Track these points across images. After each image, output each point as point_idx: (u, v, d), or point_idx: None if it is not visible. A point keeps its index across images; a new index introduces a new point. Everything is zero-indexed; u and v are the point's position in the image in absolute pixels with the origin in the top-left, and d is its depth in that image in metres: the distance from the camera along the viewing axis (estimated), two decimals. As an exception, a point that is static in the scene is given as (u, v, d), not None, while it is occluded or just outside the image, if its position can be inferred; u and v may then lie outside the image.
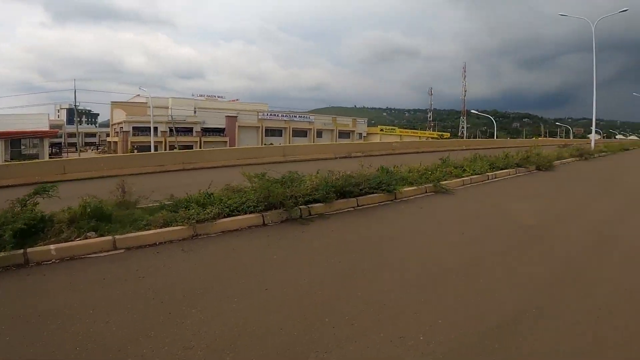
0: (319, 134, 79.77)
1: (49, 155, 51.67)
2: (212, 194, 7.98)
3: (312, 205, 8.48)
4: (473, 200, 10.42)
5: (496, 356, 3.44)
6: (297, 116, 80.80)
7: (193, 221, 6.78)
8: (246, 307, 4.23)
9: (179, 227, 6.69)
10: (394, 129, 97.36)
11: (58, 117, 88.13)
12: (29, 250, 5.65)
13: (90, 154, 68.32)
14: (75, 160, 24.82)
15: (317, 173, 9.83)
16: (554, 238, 7.11)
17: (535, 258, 6.01)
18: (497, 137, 74.66)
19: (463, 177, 12.66)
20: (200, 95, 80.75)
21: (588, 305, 4.43)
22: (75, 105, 63.97)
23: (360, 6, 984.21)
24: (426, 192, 10.92)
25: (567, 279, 5.24)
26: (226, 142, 67.92)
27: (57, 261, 5.62)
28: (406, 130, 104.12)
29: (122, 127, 65.87)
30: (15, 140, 48.33)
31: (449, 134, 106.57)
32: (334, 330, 3.77)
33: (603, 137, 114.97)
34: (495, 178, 13.97)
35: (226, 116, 70.56)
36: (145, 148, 53.01)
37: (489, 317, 4.09)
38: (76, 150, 60.80)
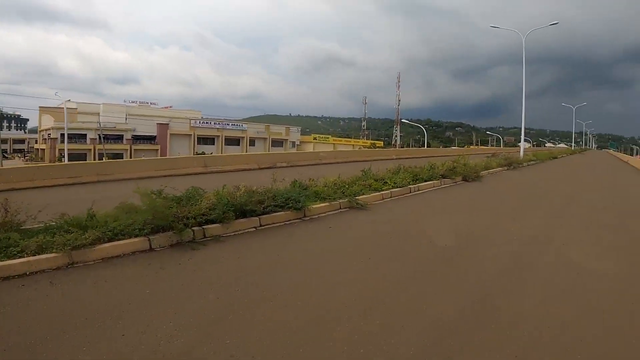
0: (252, 142, 78.67)
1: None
2: (94, 215, 6.85)
3: (207, 226, 7.41)
4: (389, 217, 9.36)
5: None
6: (230, 124, 79.22)
7: (68, 248, 5.82)
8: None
9: (52, 255, 5.73)
10: (328, 138, 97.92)
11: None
12: None
13: (18, 162, 64.12)
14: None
15: (223, 188, 8.78)
16: (471, 262, 6.18)
17: (446, 290, 5.06)
18: (430, 146, 76.19)
19: (383, 190, 11.67)
20: (133, 102, 77.73)
21: (505, 354, 3.64)
22: (-1, 110, 59.87)
23: (296, 15, 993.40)
24: (340, 208, 9.88)
25: (481, 319, 4.33)
26: (157, 150, 66.24)
27: None
28: (340, 139, 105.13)
29: (49, 134, 62.86)
30: None
31: (382, 143, 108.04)
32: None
33: (533, 146, 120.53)
34: (418, 191, 13.10)
35: (157, 123, 68.32)
36: (74, 156, 51.41)
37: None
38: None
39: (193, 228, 7.14)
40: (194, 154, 61.46)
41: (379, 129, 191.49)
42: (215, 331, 3.97)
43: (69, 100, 67.99)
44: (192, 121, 72.83)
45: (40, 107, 70.48)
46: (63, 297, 4.81)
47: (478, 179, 17.17)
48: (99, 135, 59.93)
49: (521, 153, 33.50)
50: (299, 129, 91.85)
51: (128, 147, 64.50)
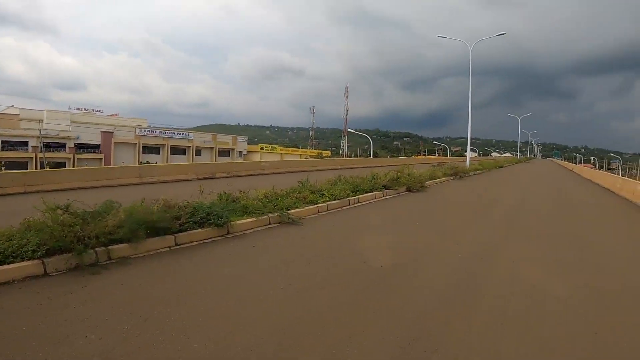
0: (199, 152, 76.67)
1: None
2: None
3: (114, 246, 6.49)
4: (322, 234, 8.54)
5: None
6: (176, 133, 76.84)
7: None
8: None
9: None
10: (275, 148, 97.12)
11: None
12: None
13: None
14: None
15: (142, 202, 7.75)
16: (408, 288, 5.41)
17: (377, 327, 4.22)
18: (377, 156, 76.58)
19: (319, 203, 10.86)
20: (78, 109, 74.39)
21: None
22: None
23: (247, 24, 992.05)
24: (269, 223, 9.02)
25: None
26: (101, 159, 63.56)
27: None
28: (287, 148, 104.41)
29: (-13, 142, 58.53)
30: None
31: (329, 153, 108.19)
32: None
33: (480, 155, 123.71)
34: (358, 203, 12.40)
35: (102, 132, 65.35)
36: (14, 165, 49.27)
37: None
38: None
39: (96, 249, 6.22)
40: (138, 163, 59.40)
41: (328, 138, 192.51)
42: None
43: (12, 106, 64.67)
44: (138, 130, 70.22)
45: (-20, 113, 66.21)
46: None
47: (423, 189, 16.74)
48: (41, 143, 56.79)
49: (467, 162, 33.66)
50: (246, 139, 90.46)
51: (71, 155, 61.22)
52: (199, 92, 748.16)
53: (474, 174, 29.27)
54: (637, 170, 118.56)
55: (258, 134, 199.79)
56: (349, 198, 12.11)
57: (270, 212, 9.24)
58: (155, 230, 7.24)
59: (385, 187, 14.60)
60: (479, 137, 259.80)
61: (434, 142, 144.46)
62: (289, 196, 10.80)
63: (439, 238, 8.58)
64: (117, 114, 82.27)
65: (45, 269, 5.70)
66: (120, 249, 6.53)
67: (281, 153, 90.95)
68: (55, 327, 4.07)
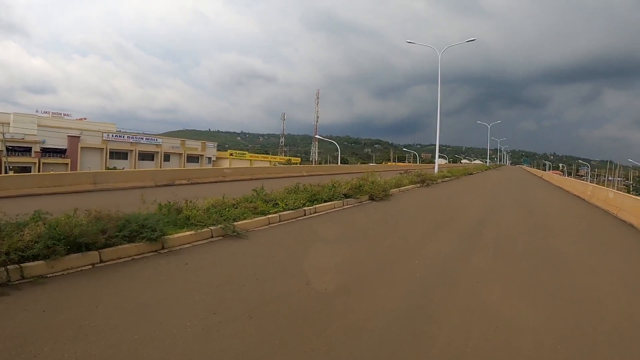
0: (167, 157, 75.29)
1: None
2: None
3: (28, 264, 5.80)
4: (266, 249, 7.75)
5: None
6: (144, 138, 75.26)
7: None
8: None
9: None
10: (245, 154, 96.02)
11: None
12: None
13: None
14: None
15: (75, 212, 7.19)
16: (355, 318, 4.68)
17: None
18: (347, 162, 76.30)
19: (270, 214, 10.11)
20: (45, 112, 72.65)
21: None
22: None
23: (219, 29, 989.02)
24: (211, 236, 8.25)
25: None
26: (67, 164, 61.94)
27: None
28: (257, 155, 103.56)
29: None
30: None
31: (299, 160, 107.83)
32: None
33: (450, 162, 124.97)
34: (315, 213, 11.70)
35: (68, 136, 63.64)
36: None
37: None
38: None
39: (8, 267, 5.57)
40: (105, 169, 58.09)
41: (299, 145, 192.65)
42: None
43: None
44: (105, 134, 68.46)
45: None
46: None
47: (387, 197, 16.16)
48: (4, 146, 54.98)
49: (435, 169, 33.41)
50: (215, 145, 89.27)
51: (37, 160, 59.31)
52: (169, 97, 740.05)
53: (442, 182, 28.95)
54: (604, 176, 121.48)
55: (229, 140, 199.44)
56: (305, 208, 11.39)
57: (213, 224, 8.49)
58: (77, 245, 6.48)
59: (346, 196, 13.92)
60: (449, 144, 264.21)
61: (404, 149, 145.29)
62: (239, 206, 10.08)
63: (397, 253, 7.86)
64: (85, 118, 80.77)
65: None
66: (35, 267, 5.84)
67: (251, 159, 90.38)
68: None
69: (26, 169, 54.47)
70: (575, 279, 6.78)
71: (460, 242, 9.04)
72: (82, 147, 64.31)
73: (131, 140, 71.83)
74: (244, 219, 9.32)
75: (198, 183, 22.09)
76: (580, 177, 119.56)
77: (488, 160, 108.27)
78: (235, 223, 8.87)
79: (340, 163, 73.89)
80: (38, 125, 62.12)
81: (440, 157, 39.21)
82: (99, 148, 66.79)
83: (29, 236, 6.14)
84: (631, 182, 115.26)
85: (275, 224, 9.90)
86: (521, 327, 4.65)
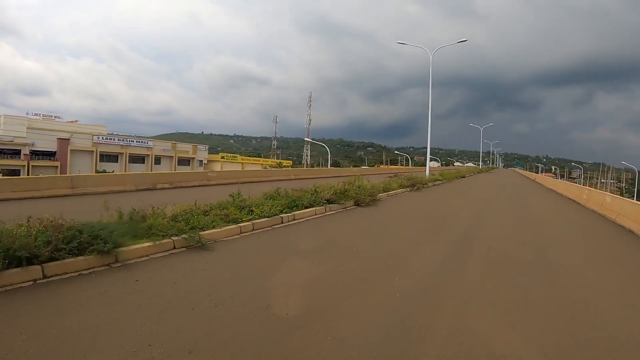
0: (158, 160, 74.57)
1: None
2: None
3: None
4: (231, 263, 6.98)
5: None
6: (135, 141, 74.52)
7: None
8: None
9: None
10: (236, 157, 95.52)
11: None
12: None
13: None
14: None
15: (28, 221, 6.57)
16: (314, 351, 3.98)
17: None
18: (340, 166, 75.64)
19: (243, 222, 9.37)
20: (36, 114, 71.51)
21: None
22: None
23: (214, 31, 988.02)
24: (174, 247, 7.51)
25: None
26: (57, 166, 61.19)
27: None
28: (249, 158, 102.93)
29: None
30: None
31: (290, 163, 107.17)
32: None
33: (442, 165, 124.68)
34: (294, 220, 10.94)
35: (58, 138, 62.82)
36: None
37: None
38: None
39: None
40: (95, 172, 57.44)
41: (292, 148, 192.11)
42: None
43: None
44: (95, 137, 67.60)
45: None
46: None
47: (374, 203, 15.44)
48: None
49: (427, 172, 32.74)
50: (207, 148, 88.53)
51: (26, 163, 58.68)
52: (162, 99, 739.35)
53: (433, 185, 28.31)
54: (597, 179, 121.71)
55: (222, 143, 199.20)
56: (282, 215, 10.62)
57: (176, 234, 7.74)
58: (18, 258, 5.77)
59: (329, 202, 13.18)
60: (442, 147, 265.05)
61: (396, 152, 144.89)
62: (211, 213, 9.35)
63: (376, 268, 7.01)
64: (76, 121, 79.88)
65: None
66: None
67: (242, 162, 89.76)
68: None
69: (15, 172, 53.80)
70: (576, 300, 5.93)
71: (448, 255, 8.23)
72: (71, 150, 63.56)
73: (121, 143, 71.13)
74: (213, 227, 8.59)
75: (181, 187, 21.43)
76: (572, 179, 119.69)
77: (481, 163, 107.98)
78: (202, 233, 8.14)
79: (333, 166, 73.31)
80: (28, 128, 61.53)
81: (432, 159, 38.59)
82: (89, 151, 66.13)
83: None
84: (624, 185, 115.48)
85: (247, 233, 9.14)
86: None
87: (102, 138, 69.29)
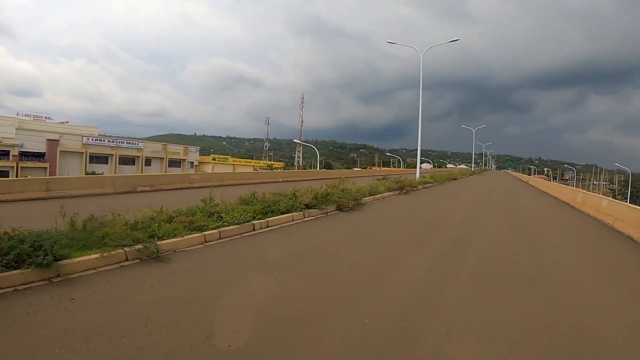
0: (148, 162, 73.81)
1: None
2: None
3: None
4: (183, 279, 6.17)
5: None
6: (125, 142, 73.70)
7: None
8: None
9: None
10: (227, 159, 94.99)
11: None
12: None
13: None
14: None
15: None
16: None
17: None
18: (332, 167, 75.08)
19: (209, 230, 8.64)
20: (26, 115, 70.62)
21: None
22: None
23: (206, 33, 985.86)
24: (126, 259, 6.84)
25: None
26: (46, 168, 60.48)
27: None
28: (240, 159, 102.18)
29: None
30: None
31: (282, 164, 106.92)
32: None
33: (435, 167, 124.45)
34: (267, 227, 10.21)
35: (47, 139, 61.99)
36: None
37: None
38: None
39: None
40: (84, 174, 56.77)
41: (284, 149, 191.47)
42: None
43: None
44: (85, 138, 66.75)
45: None
46: None
47: (357, 207, 14.78)
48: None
49: (417, 175, 32.12)
50: (198, 149, 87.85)
51: (15, 164, 57.68)
52: (156, 100, 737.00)
53: (423, 188, 27.68)
54: (589, 180, 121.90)
55: (214, 145, 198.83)
56: (254, 222, 9.91)
57: (131, 245, 7.07)
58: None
59: (309, 207, 12.48)
60: (435, 149, 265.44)
61: (387, 153, 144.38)
62: (175, 220, 8.68)
63: (347, 286, 6.18)
64: (67, 122, 79.24)
65: None
66: None
67: (234, 164, 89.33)
68: None
69: (4, 173, 53.05)
70: (577, 325, 5.11)
71: (432, 268, 7.36)
72: (61, 151, 62.82)
73: (111, 145, 70.40)
74: (174, 236, 7.91)
75: (162, 190, 20.79)
76: (565, 181, 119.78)
77: (473, 165, 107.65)
78: (161, 242, 7.49)
79: (325, 168, 72.71)
80: (17, 129, 60.70)
81: (425, 161, 38.07)
82: (78, 152, 65.48)
83: None
84: (616, 186, 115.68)
85: (213, 242, 8.43)
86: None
87: (92, 139, 68.58)
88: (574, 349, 4.44)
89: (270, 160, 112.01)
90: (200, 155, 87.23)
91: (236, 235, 9.16)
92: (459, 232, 11.12)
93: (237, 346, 4.13)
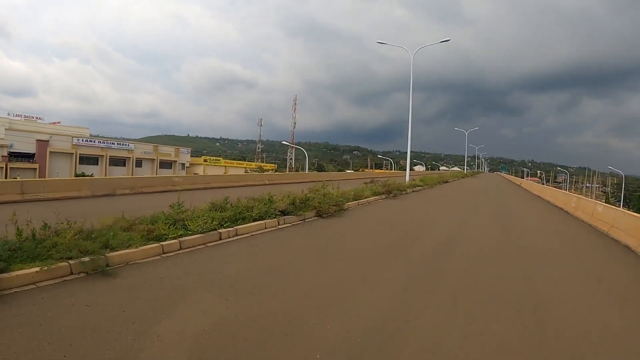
0: (139, 163, 73.43)
1: None
2: None
3: None
4: (126, 298, 5.59)
5: None
6: (116, 143, 73.19)
7: None
8: None
9: None
10: (219, 160, 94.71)
11: None
12: None
13: None
14: None
15: None
16: None
17: None
18: (326, 170, 74.59)
19: (169, 239, 8.10)
20: (17, 115, 70.29)
21: None
22: None
23: (200, 33, 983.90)
24: (70, 273, 6.31)
25: None
26: (36, 169, 60.15)
27: None
28: (232, 161, 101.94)
29: None
30: None
31: (274, 166, 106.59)
32: None
33: (428, 169, 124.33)
34: (235, 236, 9.62)
35: (37, 140, 61.53)
36: None
37: None
38: None
39: None
40: (74, 175, 56.18)
41: (277, 151, 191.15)
42: None
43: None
44: (75, 139, 66.16)
45: None
46: None
47: (339, 213, 14.25)
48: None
49: (406, 178, 31.62)
50: (189, 150, 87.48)
51: (4, 165, 57.15)
52: (149, 101, 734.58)
53: (413, 191, 27.18)
54: (582, 183, 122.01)
55: (208, 146, 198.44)
56: (222, 230, 9.35)
57: (76, 257, 6.54)
58: None
59: (285, 213, 11.95)
60: (429, 150, 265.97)
61: (379, 155, 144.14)
62: (134, 228, 8.16)
63: (306, 307, 5.54)
64: (59, 122, 78.75)
65: None
66: None
67: (225, 166, 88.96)
68: None
69: (-7, 175, 52.43)
70: (572, 353, 4.56)
71: (410, 286, 6.69)
72: (51, 152, 62.46)
73: (102, 146, 69.94)
74: (129, 247, 7.39)
75: (143, 193, 20.30)
76: (558, 184, 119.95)
77: (466, 167, 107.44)
78: (113, 254, 6.96)
79: (317, 170, 72.14)
80: (7, 129, 60.29)
81: (418, 164, 37.67)
82: (68, 153, 65.04)
83: None
84: (609, 189, 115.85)
85: (171, 254, 7.85)
86: None
87: (83, 140, 68.03)
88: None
89: (263, 162, 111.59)
90: (192, 156, 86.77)
91: (199, 245, 8.60)
92: (443, 243, 10.44)
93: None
